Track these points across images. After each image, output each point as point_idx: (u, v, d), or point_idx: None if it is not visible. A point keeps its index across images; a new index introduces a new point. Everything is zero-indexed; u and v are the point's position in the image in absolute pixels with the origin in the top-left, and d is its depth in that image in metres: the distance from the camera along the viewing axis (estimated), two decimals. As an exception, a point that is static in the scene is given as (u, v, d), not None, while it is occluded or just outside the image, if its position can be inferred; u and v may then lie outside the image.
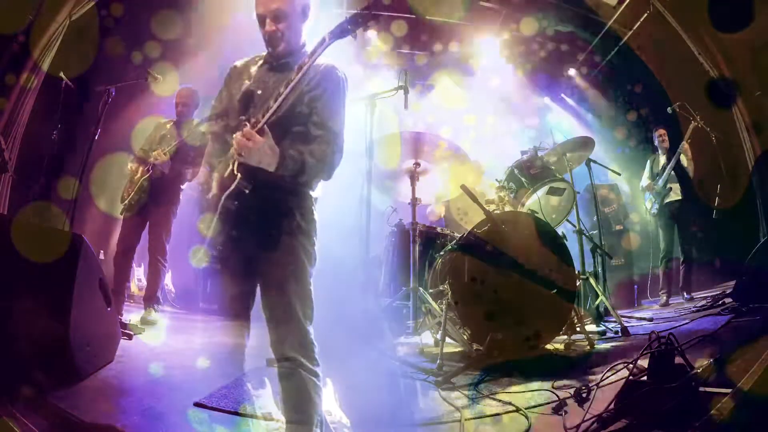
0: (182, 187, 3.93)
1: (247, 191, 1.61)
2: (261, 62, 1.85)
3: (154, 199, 3.78)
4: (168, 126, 3.98)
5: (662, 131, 5.24)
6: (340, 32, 1.55)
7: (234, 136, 1.56)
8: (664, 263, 5.09)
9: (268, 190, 1.66)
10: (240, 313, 1.78)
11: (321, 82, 1.71)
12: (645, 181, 5.29)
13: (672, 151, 5.06)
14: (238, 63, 1.91)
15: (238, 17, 4.61)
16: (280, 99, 1.57)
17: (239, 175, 1.60)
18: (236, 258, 1.73)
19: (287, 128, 1.64)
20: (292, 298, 1.61)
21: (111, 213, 5.07)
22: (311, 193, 1.77)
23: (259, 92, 1.73)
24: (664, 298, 4.94)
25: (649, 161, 5.39)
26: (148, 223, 3.85)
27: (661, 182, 5.01)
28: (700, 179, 5.04)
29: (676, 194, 5.00)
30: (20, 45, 3.77)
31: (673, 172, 4.97)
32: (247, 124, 1.56)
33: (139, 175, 3.74)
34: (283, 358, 1.59)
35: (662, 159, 5.18)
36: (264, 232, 1.66)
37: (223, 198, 1.62)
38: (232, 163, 1.64)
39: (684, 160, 4.97)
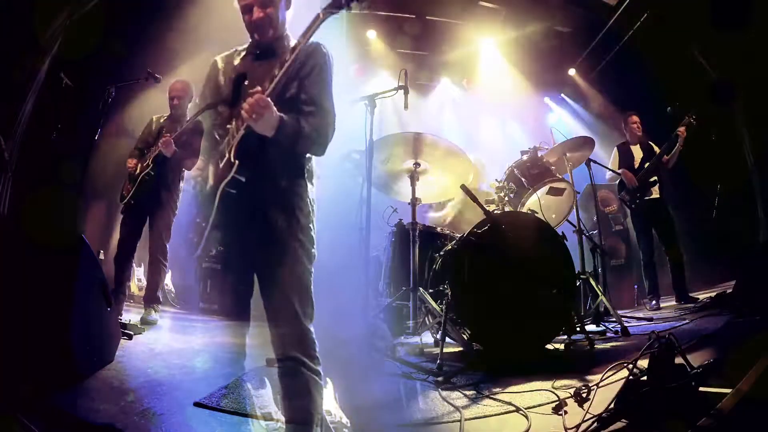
0: (180, 185, 3.92)
1: (243, 180, 1.61)
2: (244, 53, 1.85)
3: (154, 198, 3.77)
4: (162, 120, 3.97)
5: (635, 117, 4.89)
6: (335, 6, 1.55)
7: (247, 100, 1.54)
8: (647, 270, 4.73)
9: (266, 184, 1.66)
10: (239, 312, 1.78)
11: (308, 61, 1.72)
12: (613, 173, 4.82)
13: (645, 142, 4.86)
14: (218, 58, 1.90)
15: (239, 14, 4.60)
16: (275, 80, 1.58)
17: (237, 162, 1.60)
18: (235, 255, 1.73)
19: (281, 112, 1.64)
20: (293, 297, 1.61)
21: (111, 213, 5.07)
22: (308, 188, 1.76)
23: (246, 82, 1.72)
24: (654, 302, 4.61)
25: (616, 149, 5.02)
26: (147, 223, 3.84)
27: (644, 175, 4.67)
28: (697, 178, 4.99)
29: (655, 192, 4.69)
30: (20, 44, 3.76)
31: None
32: (259, 88, 1.55)
33: (138, 171, 3.73)
34: (284, 357, 1.59)
35: (636, 150, 4.87)
36: (262, 229, 1.65)
37: (220, 187, 1.62)
38: (228, 151, 1.64)
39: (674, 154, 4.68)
